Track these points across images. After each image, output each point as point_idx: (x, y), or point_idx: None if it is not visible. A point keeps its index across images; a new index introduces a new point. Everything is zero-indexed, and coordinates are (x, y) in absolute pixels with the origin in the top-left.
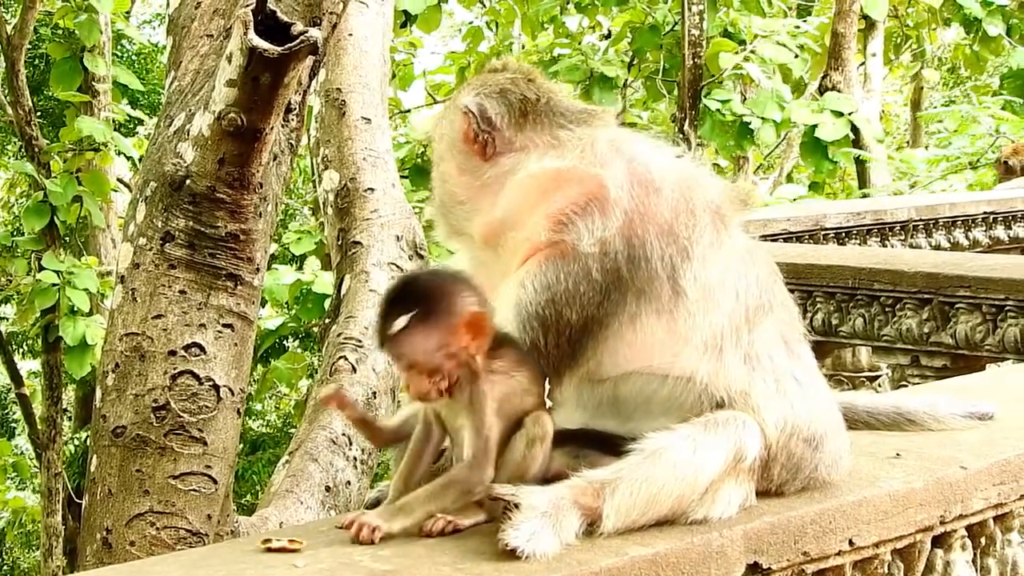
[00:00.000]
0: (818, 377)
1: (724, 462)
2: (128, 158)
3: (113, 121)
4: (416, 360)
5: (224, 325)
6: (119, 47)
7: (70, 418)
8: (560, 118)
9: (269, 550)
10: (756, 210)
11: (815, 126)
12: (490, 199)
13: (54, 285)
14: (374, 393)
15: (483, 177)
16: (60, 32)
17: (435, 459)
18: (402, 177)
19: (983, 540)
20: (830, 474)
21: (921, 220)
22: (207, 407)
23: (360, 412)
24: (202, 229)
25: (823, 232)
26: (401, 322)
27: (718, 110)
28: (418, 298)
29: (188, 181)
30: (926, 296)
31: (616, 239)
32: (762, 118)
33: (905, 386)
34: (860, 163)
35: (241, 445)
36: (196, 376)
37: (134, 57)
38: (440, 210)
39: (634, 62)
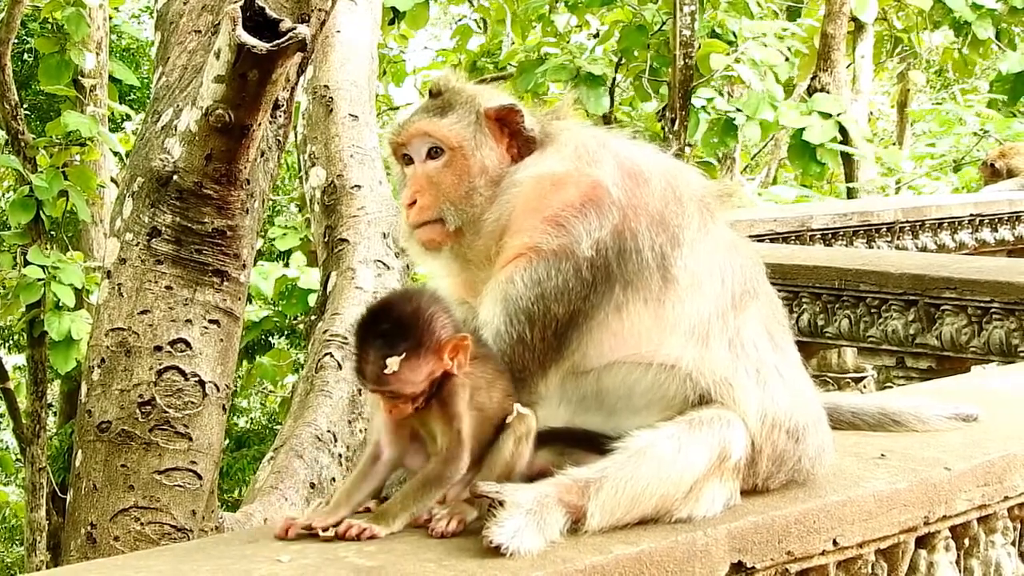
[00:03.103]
0: (800, 369)
1: (709, 461)
2: (116, 154)
3: (108, 117)
4: (403, 393)
5: (210, 321)
6: (109, 41)
7: (55, 413)
8: (542, 118)
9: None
10: (739, 205)
11: (803, 128)
12: (497, 206)
13: (39, 280)
14: (359, 390)
15: (497, 186)
16: (49, 26)
17: (381, 484)
18: (389, 174)
19: (967, 541)
20: (814, 466)
21: (907, 222)
22: (192, 403)
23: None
24: (189, 225)
25: (809, 233)
26: (392, 366)
27: (703, 107)
28: (402, 337)
29: (175, 177)
30: (912, 298)
31: (608, 236)
32: (748, 116)
33: (890, 387)
34: (848, 164)
35: (226, 441)
36: (182, 372)
37: (122, 53)
38: (459, 230)
39: (622, 62)
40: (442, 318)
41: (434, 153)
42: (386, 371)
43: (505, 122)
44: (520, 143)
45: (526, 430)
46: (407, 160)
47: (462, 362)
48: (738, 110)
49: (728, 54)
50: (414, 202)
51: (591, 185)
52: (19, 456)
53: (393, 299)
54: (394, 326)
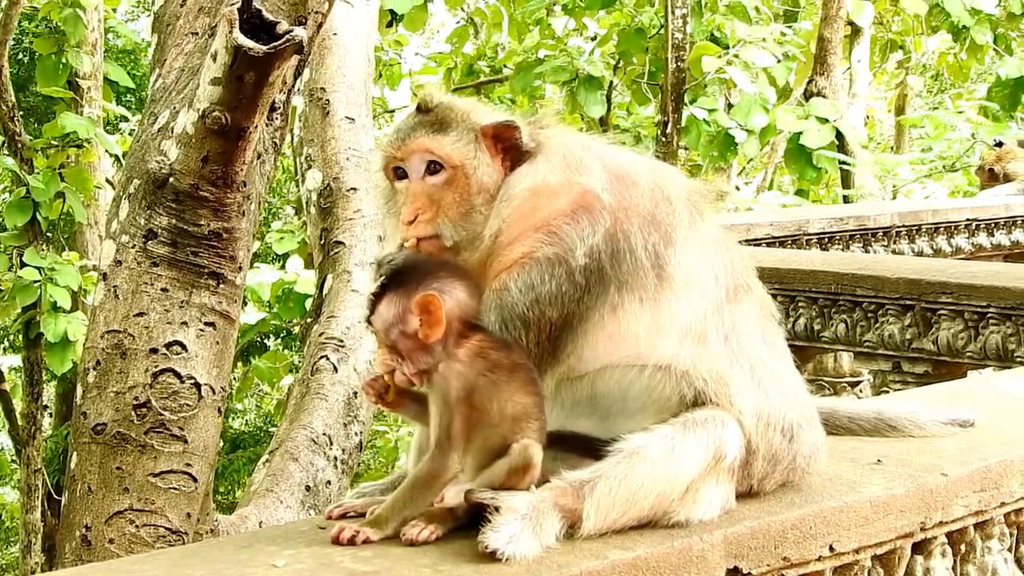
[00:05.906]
0: (790, 365)
1: (704, 461)
2: (112, 155)
3: (104, 118)
4: (378, 331)
5: (206, 323)
6: (105, 42)
7: (50, 414)
8: (528, 127)
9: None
10: (724, 204)
11: (800, 133)
12: (492, 220)
13: (35, 282)
14: (355, 393)
15: (494, 200)
16: (47, 27)
17: None
18: None
19: (963, 547)
20: (808, 465)
21: (904, 226)
22: (188, 405)
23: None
24: (185, 227)
25: (806, 237)
26: (371, 288)
27: (704, 120)
28: (395, 273)
29: (172, 179)
30: (908, 302)
31: (600, 241)
32: (747, 130)
33: (886, 392)
34: (844, 168)
35: (221, 443)
36: (177, 374)
37: (119, 54)
38: (456, 246)
39: (619, 65)
40: (436, 280)
41: (433, 169)
42: (372, 299)
43: (500, 138)
44: (513, 156)
45: (523, 463)
46: (399, 174)
47: (432, 331)
48: (739, 125)
49: (720, 56)
50: (415, 218)
51: (581, 193)
52: (15, 458)
53: (427, 256)
54: (399, 267)
